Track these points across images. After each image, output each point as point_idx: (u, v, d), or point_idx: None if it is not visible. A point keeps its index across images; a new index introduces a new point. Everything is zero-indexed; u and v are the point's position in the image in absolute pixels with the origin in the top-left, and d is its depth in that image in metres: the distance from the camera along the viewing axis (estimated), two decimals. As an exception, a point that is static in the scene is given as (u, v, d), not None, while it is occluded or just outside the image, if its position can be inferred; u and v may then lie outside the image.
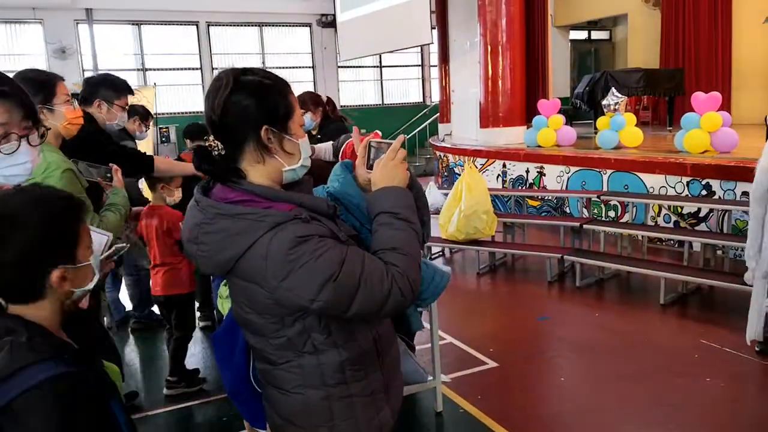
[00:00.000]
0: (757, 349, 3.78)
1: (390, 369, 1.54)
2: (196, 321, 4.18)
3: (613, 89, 8.31)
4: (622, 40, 14.49)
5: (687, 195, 6.12)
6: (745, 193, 5.61)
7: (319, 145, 3.48)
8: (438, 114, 12.95)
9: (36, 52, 12.25)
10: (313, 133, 4.19)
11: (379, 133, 2.57)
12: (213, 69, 13.22)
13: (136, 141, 4.60)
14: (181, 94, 13.23)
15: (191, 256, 1.39)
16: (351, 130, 3.12)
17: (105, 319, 4.35)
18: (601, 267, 5.44)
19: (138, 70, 13.11)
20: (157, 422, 3.40)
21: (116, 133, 3.52)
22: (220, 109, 1.33)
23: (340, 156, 3.14)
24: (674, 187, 6.25)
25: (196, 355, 4.16)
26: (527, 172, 8.13)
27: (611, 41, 15.66)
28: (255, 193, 1.34)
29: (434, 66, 13.73)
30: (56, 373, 1.12)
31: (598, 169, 7.09)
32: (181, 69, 13.29)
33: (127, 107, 3.22)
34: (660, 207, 6.36)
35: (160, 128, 11.65)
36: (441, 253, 6.80)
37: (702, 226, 6.00)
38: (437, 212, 6.38)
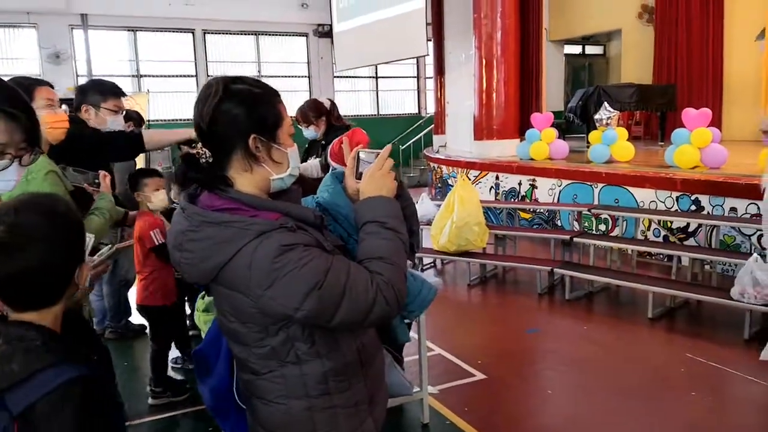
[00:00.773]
0: None
1: (374, 380, 1.54)
2: (186, 331, 4.11)
3: (606, 104, 8.40)
4: (616, 56, 14.60)
5: (676, 210, 6.17)
6: (733, 209, 5.67)
7: (304, 164, 3.48)
8: (433, 125, 13.01)
9: (30, 57, 12.23)
10: (318, 140, 4.15)
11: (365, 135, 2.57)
12: (208, 77, 13.24)
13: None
14: (175, 101, 13.23)
15: (176, 264, 1.40)
16: None
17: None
18: (591, 280, 5.47)
19: (133, 76, 13.12)
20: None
21: None
22: (209, 117, 1.34)
23: (328, 155, 3.13)
24: (664, 202, 6.30)
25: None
26: (520, 184, 8.18)
27: (605, 56, 15.78)
28: (242, 201, 1.35)
29: (430, 78, 13.79)
30: (73, 377, 1.13)
31: (589, 183, 7.13)
32: (177, 76, 13.30)
33: (119, 110, 3.20)
34: (650, 221, 6.41)
35: (155, 135, 11.65)
36: (432, 264, 6.81)
37: (691, 241, 6.05)
38: (429, 223, 6.41)
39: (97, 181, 2.66)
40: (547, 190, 7.71)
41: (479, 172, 8.88)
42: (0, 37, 12.17)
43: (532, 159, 8.39)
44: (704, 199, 5.93)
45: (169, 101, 13.19)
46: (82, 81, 8.17)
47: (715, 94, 11.31)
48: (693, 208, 6.03)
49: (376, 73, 15.14)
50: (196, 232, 1.32)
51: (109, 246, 1.75)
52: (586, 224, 7.07)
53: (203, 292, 2.09)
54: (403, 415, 3.44)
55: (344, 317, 1.30)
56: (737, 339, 4.31)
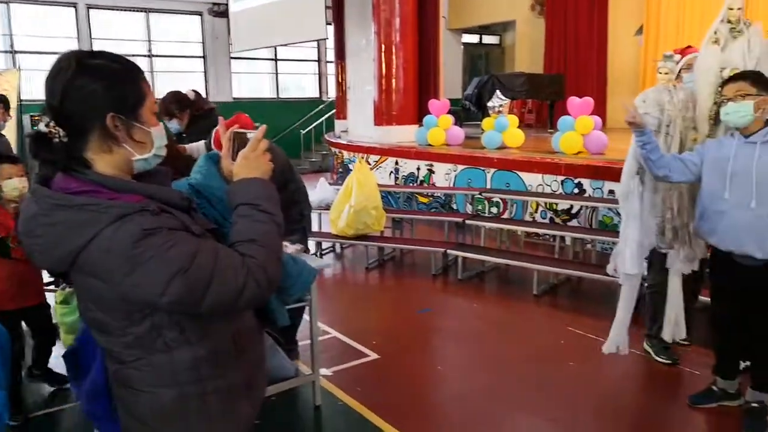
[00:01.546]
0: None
1: (253, 365, 1.52)
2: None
3: (498, 92, 8.70)
4: (511, 46, 15.19)
5: (561, 193, 6.54)
6: (612, 192, 6.07)
7: (190, 145, 3.39)
8: (335, 110, 12.98)
9: None
10: (183, 133, 4.03)
11: (251, 121, 2.54)
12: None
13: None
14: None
15: (28, 252, 1.31)
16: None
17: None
18: (482, 260, 5.70)
19: (6, 52, 12.08)
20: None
21: None
22: (60, 93, 1.26)
23: (212, 145, 3.06)
24: (550, 186, 6.65)
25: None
26: (418, 169, 8.35)
27: (501, 46, 16.35)
28: (101, 183, 1.28)
29: (331, 62, 13.73)
30: None
31: (482, 168, 7.40)
32: (57, 53, 12.34)
33: None
34: (537, 204, 6.75)
35: (32, 116, 10.77)
36: (332, 249, 6.83)
37: (574, 222, 6.43)
38: (328, 208, 6.42)
39: None
40: (443, 174, 7.92)
41: (379, 157, 8.98)
42: None
43: (429, 145, 8.58)
44: (586, 183, 6.33)
45: (49, 80, 12.26)
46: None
47: (599, 85, 12.06)
48: (576, 191, 6.42)
49: (276, 55, 14.86)
50: (47, 216, 1.24)
51: None
52: (480, 207, 7.33)
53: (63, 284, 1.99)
54: (296, 398, 3.45)
55: (214, 301, 1.26)
56: (612, 312, 4.61)
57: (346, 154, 10.12)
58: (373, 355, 4.02)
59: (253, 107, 11.75)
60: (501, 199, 7.12)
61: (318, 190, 7.01)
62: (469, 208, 7.34)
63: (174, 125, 3.95)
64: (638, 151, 3.23)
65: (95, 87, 1.27)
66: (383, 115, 9.53)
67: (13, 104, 8.16)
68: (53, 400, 3.46)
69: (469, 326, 4.57)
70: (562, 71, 12.14)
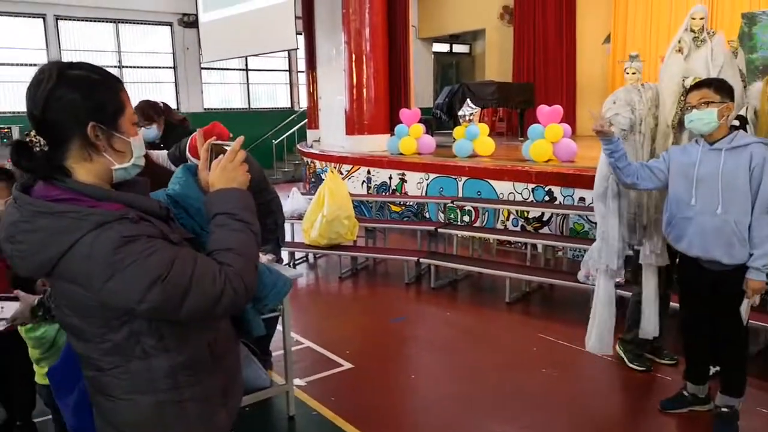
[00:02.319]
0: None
1: (228, 374, 1.54)
2: None
3: (469, 100, 8.78)
4: (481, 54, 15.35)
5: (532, 200, 6.61)
6: (582, 199, 6.16)
7: (151, 152, 3.35)
8: (306, 120, 12.95)
9: None
10: (158, 142, 3.99)
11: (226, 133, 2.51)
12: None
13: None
14: (24, 92, 12.04)
15: (9, 257, 1.32)
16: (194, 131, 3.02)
17: None
18: (455, 268, 5.72)
19: (-28, 63, 11.84)
20: None
21: None
22: (43, 102, 1.28)
23: (188, 153, 3.02)
24: (521, 194, 6.71)
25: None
26: (390, 178, 8.36)
27: (471, 55, 16.53)
28: (81, 191, 1.30)
29: (302, 71, 13.70)
30: None
31: (454, 176, 7.44)
32: (25, 65, 12.16)
33: None
34: (508, 212, 6.81)
35: (1, 128, 10.59)
36: (305, 259, 6.79)
37: (545, 230, 6.50)
38: (301, 218, 6.39)
39: None
40: (415, 183, 7.95)
41: (351, 166, 8.98)
42: None
43: (401, 154, 8.61)
44: (556, 190, 6.40)
45: (17, 91, 12.00)
46: None
47: (568, 93, 12.25)
48: (547, 198, 6.49)
49: (247, 65, 14.78)
50: (29, 222, 1.26)
51: None
52: (452, 216, 7.37)
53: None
54: (270, 408, 3.42)
55: (192, 308, 1.28)
56: (582, 318, 4.66)
57: (318, 163, 10.10)
58: (347, 365, 3.99)
59: (225, 117, 11.69)
60: (473, 207, 7.17)
61: (290, 200, 6.98)
62: (441, 217, 7.38)
63: (153, 131, 3.92)
64: (606, 160, 3.28)
65: (75, 97, 1.30)
66: (355, 125, 9.55)
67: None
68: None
69: (442, 334, 4.58)
70: (531, 79, 12.31)
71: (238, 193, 1.46)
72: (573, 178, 6.26)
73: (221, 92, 14.66)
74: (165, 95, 13.15)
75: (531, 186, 6.62)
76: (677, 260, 3.24)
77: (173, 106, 12.99)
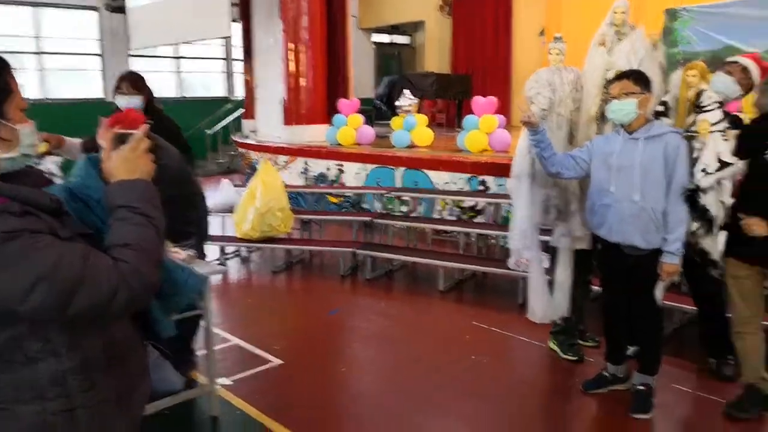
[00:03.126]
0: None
1: (130, 377, 1.45)
2: None
3: (407, 91, 8.76)
4: (422, 45, 15.36)
5: (468, 190, 6.64)
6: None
7: (67, 138, 3.19)
8: (243, 110, 12.65)
9: None
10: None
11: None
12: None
13: None
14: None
15: None
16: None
17: None
18: (390, 259, 5.69)
19: None
20: None
21: None
22: None
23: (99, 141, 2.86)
24: (457, 184, 6.74)
25: None
26: (328, 169, 8.26)
27: (412, 46, 16.51)
28: None
29: (239, 60, 13.36)
30: None
31: (392, 167, 7.41)
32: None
33: None
34: (445, 202, 6.83)
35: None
36: (237, 253, 6.62)
37: (480, 219, 6.55)
38: (231, 210, 6.22)
39: None
40: (354, 174, 7.88)
41: (289, 157, 8.83)
42: None
43: (339, 144, 8.52)
44: (490, 180, 6.46)
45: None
46: None
47: (504, 84, 12.42)
48: (481, 188, 6.54)
49: (178, 52, 14.28)
50: None
51: None
52: (391, 206, 7.34)
53: None
54: (191, 410, 3.29)
55: (80, 308, 1.21)
56: (513, 304, 4.76)
57: (254, 154, 9.88)
58: (277, 361, 3.90)
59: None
60: (411, 197, 7.16)
61: (221, 192, 6.79)
62: (379, 207, 7.35)
63: (136, 101, 3.73)
64: (532, 150, 3.33)
65: None
66: (293, 115, 9.37)
67: None
68: None
69: (376, 325, 4.54)
70: (469, 71, 12.41)
71: (140, 184, 1.38)
72: (507, 167, 6.20)
73: (152, 81, 14.12)
74: (91, 84, 12.59)
75: (466, 176, 6.66)
76: (598, 245, 3.31)
77: (100, 95, 12.49)
